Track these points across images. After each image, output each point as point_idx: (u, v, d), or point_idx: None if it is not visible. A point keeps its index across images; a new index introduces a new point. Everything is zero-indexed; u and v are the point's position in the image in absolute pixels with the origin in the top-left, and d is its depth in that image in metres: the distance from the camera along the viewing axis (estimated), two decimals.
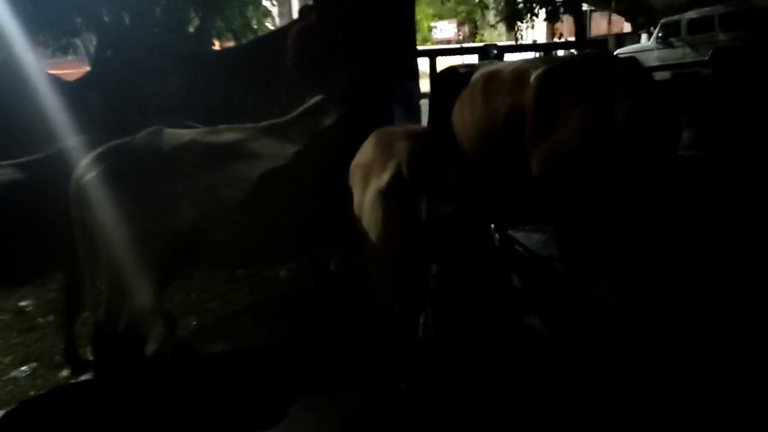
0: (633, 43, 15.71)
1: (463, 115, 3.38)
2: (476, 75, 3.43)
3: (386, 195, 2.30)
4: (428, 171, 2.29)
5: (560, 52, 12.11)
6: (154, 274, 2.60)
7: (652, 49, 14.10)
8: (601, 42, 14.98)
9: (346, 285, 3.27)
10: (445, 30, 24.61)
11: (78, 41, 8.76)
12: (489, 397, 2.69)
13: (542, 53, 10.41)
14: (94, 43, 9.40)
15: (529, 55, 9.01)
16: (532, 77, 3.04)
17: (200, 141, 2.74)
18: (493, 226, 4.36)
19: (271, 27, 13.18)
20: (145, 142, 2.66)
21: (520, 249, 4.37)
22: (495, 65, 3.61)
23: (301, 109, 3.18)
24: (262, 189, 2.72)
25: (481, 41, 21.01)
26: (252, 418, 2.72)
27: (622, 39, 16.90)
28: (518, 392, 2.71)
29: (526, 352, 3.04)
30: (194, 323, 3.78)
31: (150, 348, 3.07)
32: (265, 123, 3.05)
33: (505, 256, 4.24)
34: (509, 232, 4.43)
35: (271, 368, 3.14)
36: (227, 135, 2.86)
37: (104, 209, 2.49)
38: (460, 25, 24.41)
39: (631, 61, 3.06)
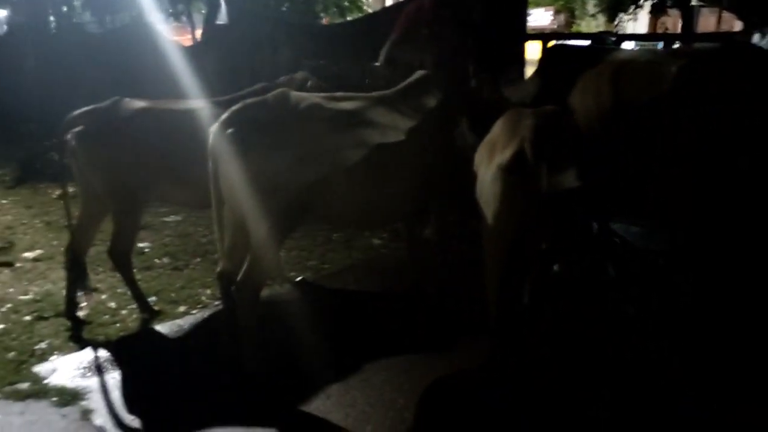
0: None
1: (586, 102, 3.35)
2: (603, 64, 3.39)
3: (507, 170, 2.37)
4: (551, 149, 2.33)
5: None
6: (276, 226, 2.81)
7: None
8: (743, 33, 14.06)
9: (439, 256, 3.39)
10: (539, 18, 23.98)
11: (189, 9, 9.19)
12: (559, 387, 2.74)
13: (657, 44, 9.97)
14: (203, 11, 9.87)
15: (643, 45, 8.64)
16: (672, 70, 3.00)
17: (324, 105, 2.93)
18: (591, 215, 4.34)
19: (366, 7, 13.41)
20: (277, 102, 2.86)
21: (617, 240, 4.35)
22: (622, 54, 3.58)
23: (405, 83, 3.32)
24: (378, 155, 2.88)
25: (576, 31, 20.31)
26: (334, 378, 2.87)
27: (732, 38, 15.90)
28: (587, 384, 2.77)
29: (605, 342, 3.10)
30: (295, 278, 4.04)
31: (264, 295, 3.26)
32: (375, 93, 3.21)
33: (603, 245, 4.22)
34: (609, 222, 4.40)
35: (361, 330, 3.34)
36: (346, 102, 3.04)
37: (238, 162, 2.71)
38: (556, 13, 23.71)
39: None
